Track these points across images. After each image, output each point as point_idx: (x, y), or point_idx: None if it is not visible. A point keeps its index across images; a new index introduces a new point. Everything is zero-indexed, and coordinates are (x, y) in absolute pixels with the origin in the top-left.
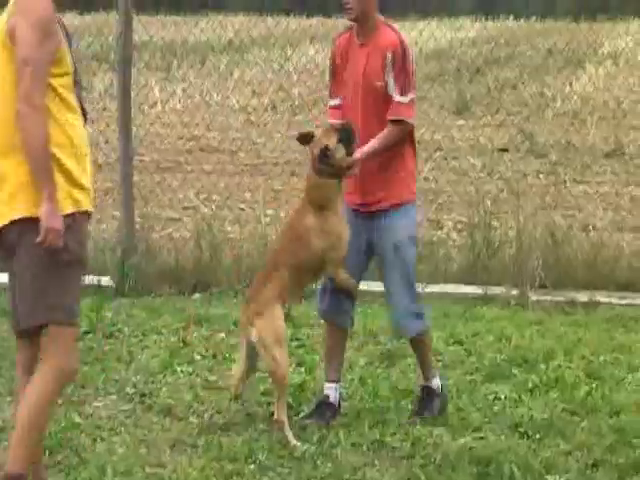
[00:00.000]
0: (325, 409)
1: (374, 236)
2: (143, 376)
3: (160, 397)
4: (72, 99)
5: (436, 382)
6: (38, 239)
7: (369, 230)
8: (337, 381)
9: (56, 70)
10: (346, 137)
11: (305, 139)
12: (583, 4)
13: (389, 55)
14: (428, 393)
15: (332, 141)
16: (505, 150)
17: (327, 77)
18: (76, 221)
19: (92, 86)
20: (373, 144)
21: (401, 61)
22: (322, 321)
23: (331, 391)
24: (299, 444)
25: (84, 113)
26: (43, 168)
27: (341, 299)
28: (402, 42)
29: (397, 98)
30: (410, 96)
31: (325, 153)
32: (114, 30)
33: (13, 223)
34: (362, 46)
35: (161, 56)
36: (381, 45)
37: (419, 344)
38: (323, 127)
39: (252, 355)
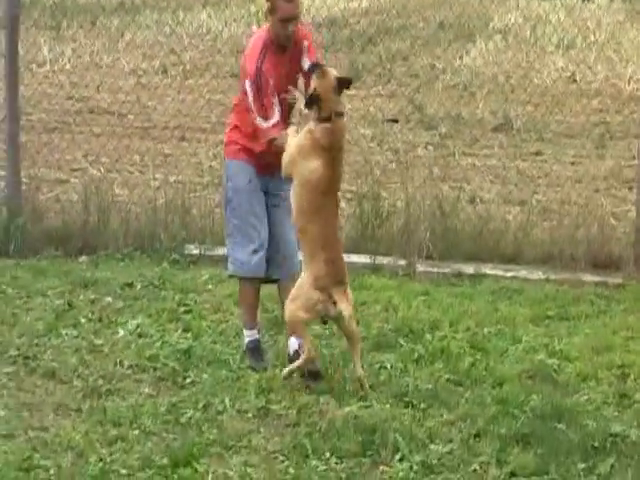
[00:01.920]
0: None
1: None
2: (27, 338)
3: (44, 360)
4: None
5: None
6: None
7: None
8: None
9: None
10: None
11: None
12: None
13: (305, 45)
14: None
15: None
16: (395, 121)
17: (218, 43)
18: None
19: None
20: None
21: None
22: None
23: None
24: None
25: None
26: None
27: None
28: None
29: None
30: None
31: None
32: None
33: None
34: (284, 53)
35: (51, 15)
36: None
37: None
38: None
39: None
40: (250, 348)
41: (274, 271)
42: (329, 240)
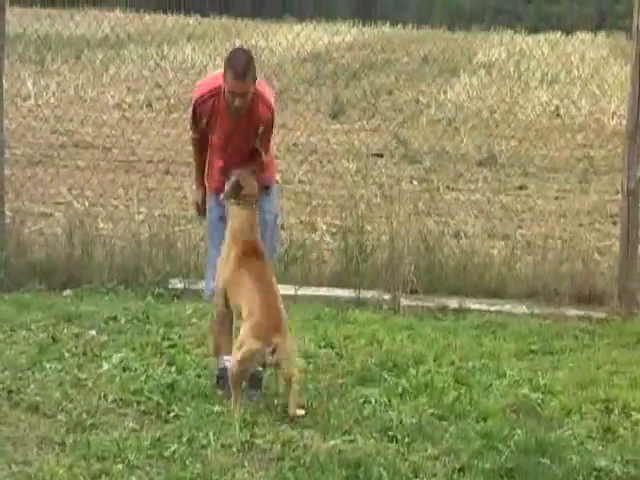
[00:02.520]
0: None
1: None
2: (11, 372)
3: (28, 394)
4: None
5: None
6: None
7: None
8: None
9: None
10: None
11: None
12: (458, 13)
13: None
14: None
15: None
16: (379, 155)
17: (203, 77)
18: None
19: None
20: None
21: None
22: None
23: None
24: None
25: None
26: None
27: None
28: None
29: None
30: None
31: None
32: None
33: None
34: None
35: (35, 49)
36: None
37: None
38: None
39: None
40: (222, 376)
41: None
42: (263, 291)
